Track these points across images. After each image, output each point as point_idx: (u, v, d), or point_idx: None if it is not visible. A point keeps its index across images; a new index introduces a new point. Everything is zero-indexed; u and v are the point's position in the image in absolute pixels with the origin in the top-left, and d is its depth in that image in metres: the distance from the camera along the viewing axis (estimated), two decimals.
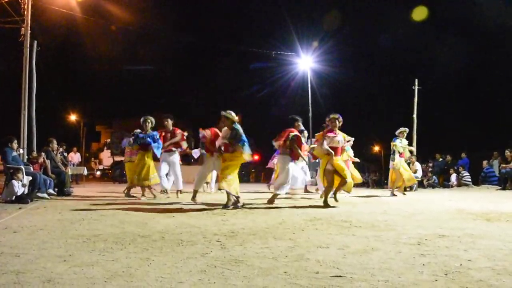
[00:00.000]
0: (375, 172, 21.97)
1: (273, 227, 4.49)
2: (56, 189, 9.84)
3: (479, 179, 16.67)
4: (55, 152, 10.70)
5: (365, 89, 33.42)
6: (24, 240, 3.66)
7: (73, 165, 18.42)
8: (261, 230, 4.25)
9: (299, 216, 5.56)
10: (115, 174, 23.38)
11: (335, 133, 7.49)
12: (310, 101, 25.30)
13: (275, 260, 2.90)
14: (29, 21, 15.08)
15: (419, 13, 26.89)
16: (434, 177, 16.84)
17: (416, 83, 24.32)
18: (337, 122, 7.57)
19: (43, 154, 9.93)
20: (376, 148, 45.91)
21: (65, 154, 14.40)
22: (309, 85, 25.36)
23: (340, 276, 2.50)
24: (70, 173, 10.79)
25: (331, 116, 7.62)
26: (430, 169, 17.57)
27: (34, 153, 9.83)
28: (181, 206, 6.87)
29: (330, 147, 7.32)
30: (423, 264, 2.78)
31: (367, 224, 4.78)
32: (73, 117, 44.94)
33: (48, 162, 9.86)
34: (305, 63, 25.61)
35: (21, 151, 11.17)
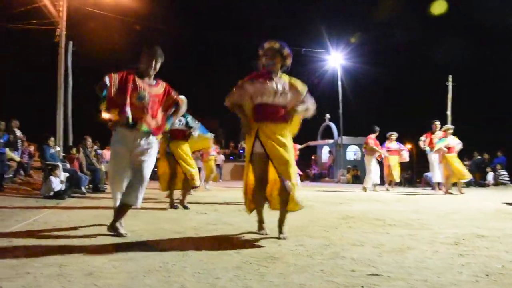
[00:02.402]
0: (407, 170, 21.58)
1: (306, 225, 4.48)
2: (91, 185, 10.09)
3: None
4: (89, 150, 10.96)
5: (397, 85, 32.81)
6: (64, 234, 3.77)
7: (107, 162, 18.81)
8: (294, 227, 4.24)
9: (332, 214, 5.53)
10: None
11: (268, 77, 3.83)
12: (340, 98, 25.08)
13: (310, 258, 2.90)
14: (64, 23, 15.48)
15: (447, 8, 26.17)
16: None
17: (450, 79, 23.78)
18: (280, 58, 3.87)
19: (81, 149, 10.21)
20: (409, 146, 45.10)
21: (99, 151, 14.74)
22: (339, 82, 25.13)
23: (376, 275, 2.47)
24: (104, 170, 11.03)
25: (265, 45, 3.89)
26: (467, 168, 17.12)
27: (74, 150, 10.11)
28: (212, 203, 6.95)
29: (259, 104, 3.82)
30: (462, 265, 2.72)
31: (401, 223, 4.72)
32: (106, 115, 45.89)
33: (83, 159, 10.12)
34: (335, 60, 25.39)
35: (58, 148, 11.52)
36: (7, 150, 9.59)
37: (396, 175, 12.00)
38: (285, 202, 3.71)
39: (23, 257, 2.79)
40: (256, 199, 3.93)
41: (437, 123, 11.01)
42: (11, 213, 5.18)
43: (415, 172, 23.01)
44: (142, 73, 3.93)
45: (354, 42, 25.38)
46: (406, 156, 12.24)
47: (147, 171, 3.88)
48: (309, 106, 3.97)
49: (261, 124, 3.77)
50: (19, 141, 11.11)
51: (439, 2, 23.58)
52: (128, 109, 3.78)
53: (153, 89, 3.93)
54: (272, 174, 3.86)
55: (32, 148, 13.19)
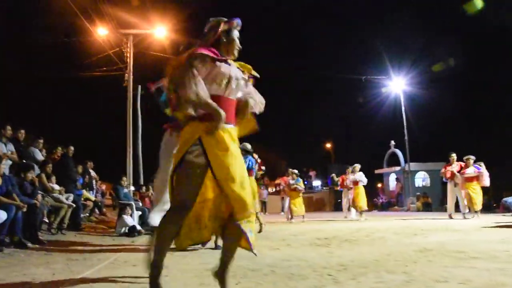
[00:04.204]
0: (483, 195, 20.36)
1: (383, 260, 4.32)
2: None
3: None
4: None
5: (463, 107, 31.50)
6: (144, 273, 3.87)
7: None
8: (370, 262, 4.11)
9: (407, 247, 5.30)
10: None
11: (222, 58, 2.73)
12: (405, 124, 24.35)
13: None
14: (131, 68, 16.44)
15: None
16: None
17: None
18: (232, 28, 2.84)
19: (151, 187, 10.63)
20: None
21: None
22: (403, 108, 24.46)
23: None
24: None
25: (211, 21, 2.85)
26: None
27: (144, 189, 10.56)
28: (283, 238, 6.89)
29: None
30: None
31: (486, 255, 4.42)
32: None
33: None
34: (397, 85, 24.87)
35: (132, 188, 12.06)
36: (83, 191, 10.14)
37: (478, 202, 11.19)
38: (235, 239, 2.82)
39: None
40: (168, 231, 2.75)
41: None
42: (93, 252, 5.42)
43: (492, 197, 21.67)
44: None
45: (413, 68, 24.82)
46: (485, 180, 11.33)
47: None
48: (257, 99, 2.93)
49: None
50: (94, 181, 11.74)
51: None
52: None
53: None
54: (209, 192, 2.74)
55: (104, 187, 13.87)
